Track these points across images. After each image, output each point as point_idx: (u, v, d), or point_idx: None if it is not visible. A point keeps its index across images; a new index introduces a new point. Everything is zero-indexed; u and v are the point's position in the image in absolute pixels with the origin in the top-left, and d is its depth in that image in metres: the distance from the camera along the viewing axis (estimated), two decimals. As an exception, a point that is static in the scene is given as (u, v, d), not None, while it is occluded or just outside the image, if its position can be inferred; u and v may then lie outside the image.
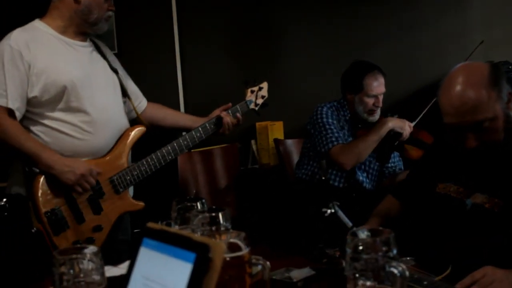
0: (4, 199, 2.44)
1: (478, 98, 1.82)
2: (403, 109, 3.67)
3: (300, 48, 4.80)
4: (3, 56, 2.37)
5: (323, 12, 4.86)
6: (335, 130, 3.28)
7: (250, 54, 4.67)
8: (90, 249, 1.18)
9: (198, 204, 1.62)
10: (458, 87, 1.85)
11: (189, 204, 1.61)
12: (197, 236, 0.95)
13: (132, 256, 1.11)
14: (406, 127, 3.27)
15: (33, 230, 2.35)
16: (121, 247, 2.60)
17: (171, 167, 3.90)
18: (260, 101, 2.94)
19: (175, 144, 2.64)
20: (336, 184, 3.29)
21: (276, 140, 4.12)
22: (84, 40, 2.58)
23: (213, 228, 1.44)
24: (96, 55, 2.63)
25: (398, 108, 3.78)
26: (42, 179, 2.37)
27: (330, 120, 3.31)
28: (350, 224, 1.92)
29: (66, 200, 2.41)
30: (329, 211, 1.93)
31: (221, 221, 1.45)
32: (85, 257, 1.17)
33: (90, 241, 2.42)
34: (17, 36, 2.41)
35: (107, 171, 2.51)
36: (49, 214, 2.36)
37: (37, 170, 2.39)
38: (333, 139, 3.24)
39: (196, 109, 4.15)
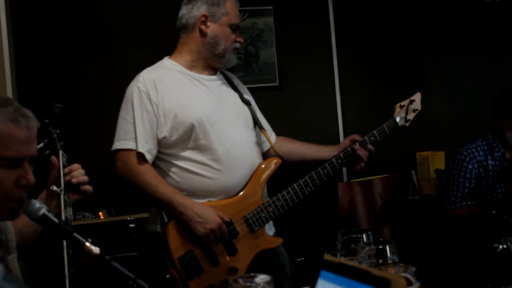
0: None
1: None
2: None
3: (455, 77, 4.73)
4: (132, 99, 2.38)
5: (470, 43, 4.78)
6: (461, 185, 3.22)
7: (408, 85, 4.60)
8: (262, 278, 1.20)
9: (364, 236, 1.59)
10: None
11: (354, 235, 1.59)
12: (376, 271, 0.95)
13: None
14: None
15: (167, 276, 2.31)
16: (285, 271, 2.57)
17: (331, 196, 3.93)
18: (411, 115, 2.66)
19: (312, 176, 2.47)
20: None
21: (438, 171, 4.03)
22: (214, 74, 2.54)
23: (380, 261, 1.42)
24: (227, 88, 2.57)
25: None
26: (174, 224, 2.34)
27: (462, 174, 3.24)
28: (524, 261, 1.82)
29: (199, 244, 2.34)
30: (501, 246, 1.84)
31: (388, 254, 1.44)
32: (258, 286, 1.19)
33: (226, 284, 2.24)
34: (145, 77, 2.40)
35: (240, 210, 2.41)
36: (182, 259, 2.31)
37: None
38: (457, 199, 3.22)
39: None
